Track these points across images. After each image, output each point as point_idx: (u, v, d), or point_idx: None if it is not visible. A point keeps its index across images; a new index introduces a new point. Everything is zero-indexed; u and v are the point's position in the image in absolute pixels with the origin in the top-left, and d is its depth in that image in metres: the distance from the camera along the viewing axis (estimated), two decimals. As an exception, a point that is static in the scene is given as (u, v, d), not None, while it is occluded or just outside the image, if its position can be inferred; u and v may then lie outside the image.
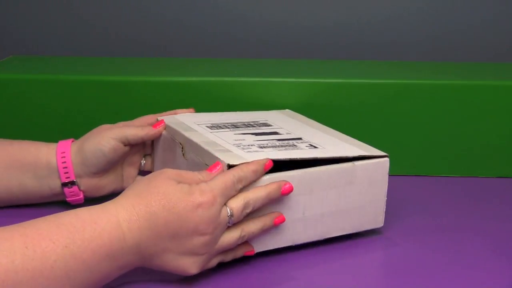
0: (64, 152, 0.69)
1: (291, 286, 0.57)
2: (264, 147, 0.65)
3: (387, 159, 0.67)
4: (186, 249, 0.53)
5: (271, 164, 0.59)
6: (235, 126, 0.73)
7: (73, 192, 0.70)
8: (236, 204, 0.55)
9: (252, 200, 0.56)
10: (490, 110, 0.84)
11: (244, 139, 0.68)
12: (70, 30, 1.11)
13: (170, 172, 0.56)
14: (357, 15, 1.09)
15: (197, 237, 0.53)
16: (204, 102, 0.84)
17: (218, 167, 0.58)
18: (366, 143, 0.85)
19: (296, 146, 0.66)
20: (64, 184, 0.69)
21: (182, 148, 0.68)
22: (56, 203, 0.73)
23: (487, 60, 1.09)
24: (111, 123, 0.74)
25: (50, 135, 0.86)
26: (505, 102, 0.84)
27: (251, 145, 0.65)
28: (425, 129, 0.85)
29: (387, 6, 1.08)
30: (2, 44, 1.13)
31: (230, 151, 0.63)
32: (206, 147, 0.63)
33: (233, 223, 0.56)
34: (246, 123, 0.75)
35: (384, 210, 0.68)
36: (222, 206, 0.55)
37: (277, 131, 0.72)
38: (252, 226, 0.58)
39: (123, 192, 0.55)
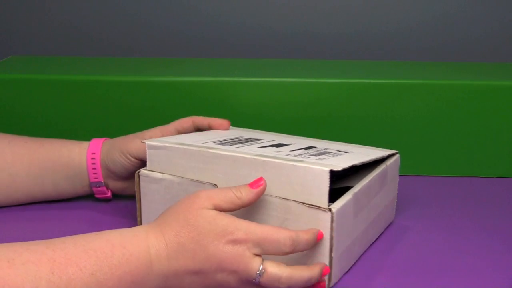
0: (94, 154, 0.71)
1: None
2: (313, 155, 0.61)
3: (398, 155, 0.69)
4: (210, 283, 0.52)
5: (321, 236, 0.55)
6: (235, 142, 0.66)
7: (100, 190, 0.73)
8: (272, 269, 0.51)
9: (294, 279, 0.51)
10: (490, 110, 0.84)
11: (280, 151, 0.62)
12: (70, 30, 1.11)
13: (203, 201, 0.53)
14: (357, 15, 1.09)
15: (220, 274, 0.51)
16: (204, 102, 0.84)
17: (260, 183, 0.56)
18: (366, 143, 0.85)
19: (331, 153, 0.63)
20: (93, 184, 0.72)
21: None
22: (85, 197, 0.77)
23: (487, 60, 1.09)
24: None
25: (49, 135, 0.86)
26: (505, 102, 0.84)
27: (299, 155, 0.60)
28: (425, 129, 0.85)
29: (387, 7, 1.08)
30: (2, 44, 1.13)
31: (300, 160, 0.57)
32: (275, 160, 0.57)
33: (258, 284, 0.51)
34: (237, 139, 0.68)
35: (395, 203, 0.70)
36: (254, 254, 0.51)
37: (282, 143, 0.67)
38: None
39: (156, 219, 0.54)
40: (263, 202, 0.57)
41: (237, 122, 0.85)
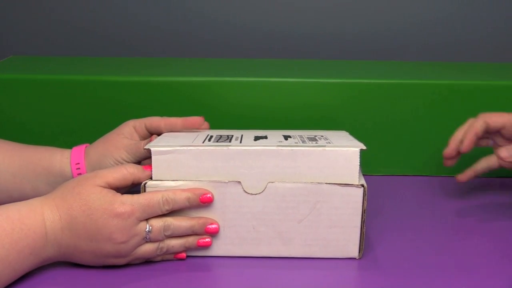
0: (78, 164, 0.69)
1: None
2: (312, 140, 0.63)
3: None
4: (101, 253, 0.57)
5: (210, 200, 0.60)
6: (226, 138, 0.65)
7: None
8: (157, 223, 0.58)
9: (173, 226, 0.59)
10: (490, 110, 0.84)
11: (284, 140, 0.63)
12: (70, 30, 1.11)
13: (97, 179, 0.58)
14: (357, 15, 1.09)
15: (111, 244, 0.56)
16: (203, 102, 0.84)
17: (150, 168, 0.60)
18: (366, 142, 0.85)
19: (319, 140, 0.64)
20: None
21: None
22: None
23: (487, 60, 1.09)
24: (112, 124, 0.73)
25: (49, 135, 0.86)
26: (505, 102, 0.84)
27: (300, 141, 0.63)
28: (424, 129, 0.85)
29: (387, 7, 1.08)
30: (2, 44, 1.13)
31: (324, 145, 0.60)
32: (304, 148, 0.60)
33: (150, 239, 0.58)
34: (224, 136, 0.66)
35: None
36: (141, 220, 0.57)
37: (266, 135, 0.66)
38: (173, 241, 0.60)
39: (51, 192, 0.58)
40: (292, 190, 0.60)
41: (237, 122, 0.85)
